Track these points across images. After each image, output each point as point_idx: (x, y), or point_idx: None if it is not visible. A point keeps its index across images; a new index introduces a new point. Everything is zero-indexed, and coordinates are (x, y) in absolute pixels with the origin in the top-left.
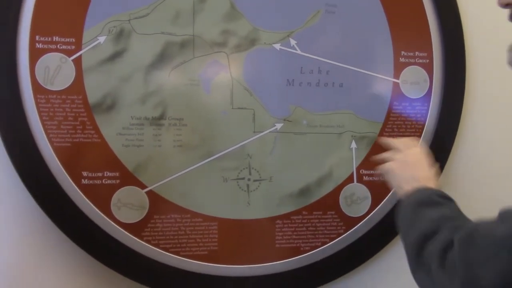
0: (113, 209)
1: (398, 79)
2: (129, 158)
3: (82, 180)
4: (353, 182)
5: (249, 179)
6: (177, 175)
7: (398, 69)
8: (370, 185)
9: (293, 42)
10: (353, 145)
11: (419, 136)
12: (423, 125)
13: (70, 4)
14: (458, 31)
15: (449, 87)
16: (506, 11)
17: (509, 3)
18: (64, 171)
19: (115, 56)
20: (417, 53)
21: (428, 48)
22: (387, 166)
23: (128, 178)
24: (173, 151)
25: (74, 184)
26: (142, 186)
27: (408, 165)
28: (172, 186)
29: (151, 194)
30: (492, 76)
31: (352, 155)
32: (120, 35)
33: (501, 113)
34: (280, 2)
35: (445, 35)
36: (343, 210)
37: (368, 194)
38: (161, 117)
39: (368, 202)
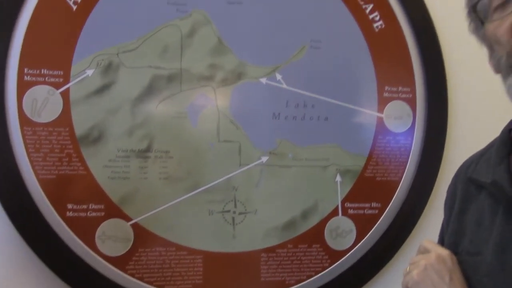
0: (98, 242)
1: (382, 113)
2: (115, 191)
3: (67, 212)
4: (338, 215)
5: (234, 212)
6: (162, 207)
7: (382, 103)
8: (355, 218)
9: (279, 76)
10: (338, 178)
11: (403, 169)
12: (407, 159)
13: (60, 37)
14: (440, 66)
15: (432, 122)
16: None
17: None
18: (49, 203)
19: (103, 89)
20: (400, 88)
21: (411, 83)
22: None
23: (113, 211)
24: (159, 184)
25: (58, 217)
26: (127, 218)
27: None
28: (158, 218)
29: (136, 227)
30: (473, 110)
31: (337, 188)
32: (108, 68)
33: (486, 142)
34: (267, 37)
35: (427, 71)
36: (328, 243)
37: (353, 227)
38: (148, 149)
39: (353, 235)
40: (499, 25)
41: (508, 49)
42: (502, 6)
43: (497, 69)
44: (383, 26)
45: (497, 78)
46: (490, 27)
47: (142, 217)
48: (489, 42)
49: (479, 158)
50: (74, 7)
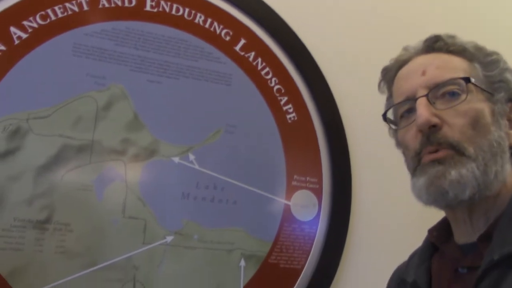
0: None
1: (289, 201)
2: (4, 262)
3: None
4: None
5: None
6: (56, 283)
7: (290, 191)
8: None
9: (192, 157)
10: (242, 263)
11: (306, 257)
12: (311, 247)
13: None
14: (346, 161)
15: (336, 213)
16: (392, 143)
17: (435, 124)
18: None
19: (7, 154)
20: (308, 178)
21: (319, 174)
22: None
23: (1, 285)
24: (54, 258)
25: None
26: None
27: None
28: None
29: None
30: (375, 204)
31: (240, 273)
32: (16, 134)
33: (385, 240)
34: (183, 117)
35: (334, 164)
36: None
37: None
38: (47, 220)
39: None
40: (406, 132)
41: (412, 154)
42: (407, 114)
43: (408, 170)
44: (296, 118)
45: (398, 175)
46: (400, 133)
47: None
48: (402, 147)
49: (410, 260)
50: None
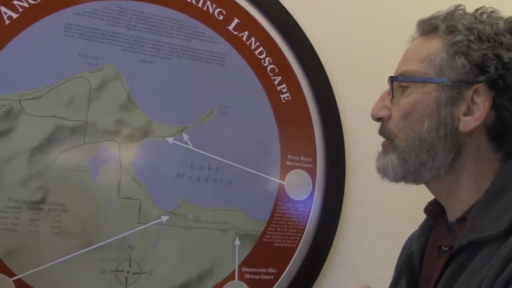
0: None
1: (283, 180)
2: (0, 243)
3: None
4: (234, 279)
5: (128, 272)
6: (50, 263)
7: (284, 171)
8: (251, 283)
9: (186, 137)
10: (237, 242)
11: (300, 236)
12: (305, 226)
13: None
14: (340, 141)
15: (330, 192)
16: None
17: (380, 117)
18: None
19: (0, 135)
20: (302, 157)
21: (313, 154)
22: None
23: None
24: (49, 238)
25: None
26: (11, 274)
27: None
28: (45, 275)
29: (20, 284)
30: (370, 183)
31: (235, 252)
32: (8, 114)
33: (379, 219)
34: (177, 98)
35: (328, 145)
36: None
37: None
38: (41, 201)
39: None
40: None
41: None
42: None
43: None
44: (290, 98)
45: None
46: None
47: (28, 273)
48: None
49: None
50: None
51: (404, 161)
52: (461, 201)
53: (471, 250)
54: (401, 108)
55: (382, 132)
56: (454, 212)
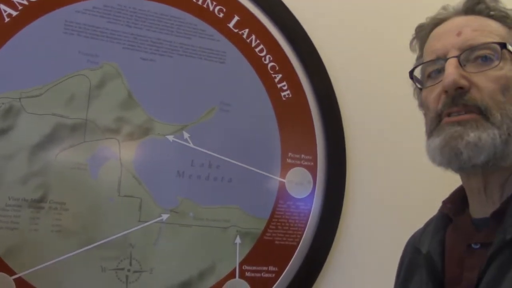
0: None
1: (284, 178)
2: (0, 241)
3: None
4: (235, 277)
5: (128, 270)
6: (51, 262)
7: (285, 169)
8: (252, 281)
9: (186, 135)
10: (238, 240)
11: (301, 234)
12: (305, 224)
13: None
14: (340, 139)
15: (331, 190)
16: (387, 119)
17: (462, 86)
18: None
19: (0, 133)
20: (303, 155)
21: (313, 152)
22: None
23: None
24: (50, 237)
25: None
26: (11, 272)
27: None
28: (45, 274)
29: (20, 282)
30: (371, 181)
31: (236, 250)
32: (8, 113)
33: (380, 217)
34: (177, 96)
35: (329, 143)
36: None
37: None
38: (42, 199)
39: None
40: (430, 92)
41: (433, 115)
42: (435, 74)
43: (426, 133)
44: (290, 95)
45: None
46: (424, 93)
47: (28, 271)
48: (424, 108)
49: (425, 228)
50: None
51: (507, 140)
52: (498, 190)
53: None
54: (496, 81)
55: (463, 102)
56: (483, 208)
